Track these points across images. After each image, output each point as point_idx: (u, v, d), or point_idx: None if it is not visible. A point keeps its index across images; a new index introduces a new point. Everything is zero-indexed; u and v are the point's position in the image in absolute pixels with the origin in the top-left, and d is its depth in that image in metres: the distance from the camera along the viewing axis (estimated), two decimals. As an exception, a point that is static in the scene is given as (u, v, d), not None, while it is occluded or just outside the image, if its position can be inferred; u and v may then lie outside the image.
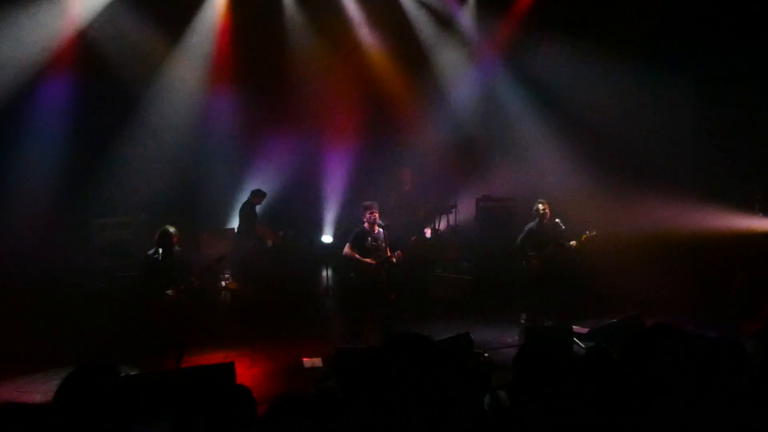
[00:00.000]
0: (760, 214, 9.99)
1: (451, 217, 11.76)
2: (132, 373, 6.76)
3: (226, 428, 2.93)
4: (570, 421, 2.69)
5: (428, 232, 11.64)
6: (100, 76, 10.41)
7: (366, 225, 8.06)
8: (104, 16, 10.28)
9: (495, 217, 11.52)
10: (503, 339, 8.73)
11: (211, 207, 11.78)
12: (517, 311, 9.19)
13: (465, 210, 11.83)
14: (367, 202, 8.09)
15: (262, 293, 10.24)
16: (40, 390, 7.00)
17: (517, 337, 8.45)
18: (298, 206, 11.78)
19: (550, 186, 10.84)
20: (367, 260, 8.02)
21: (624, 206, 10.32)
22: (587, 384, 2.92)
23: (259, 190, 11.12)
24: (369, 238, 8.06)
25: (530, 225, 9.13)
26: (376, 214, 8.04)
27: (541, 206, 8.99)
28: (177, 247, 7.62)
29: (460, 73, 12.42)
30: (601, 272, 9.84)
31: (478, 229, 11.49)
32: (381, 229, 8.15)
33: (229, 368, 6.65)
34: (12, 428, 1.61)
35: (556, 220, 9.02)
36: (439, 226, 11.75)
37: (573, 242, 8.86)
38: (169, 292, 7.36)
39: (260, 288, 10.33)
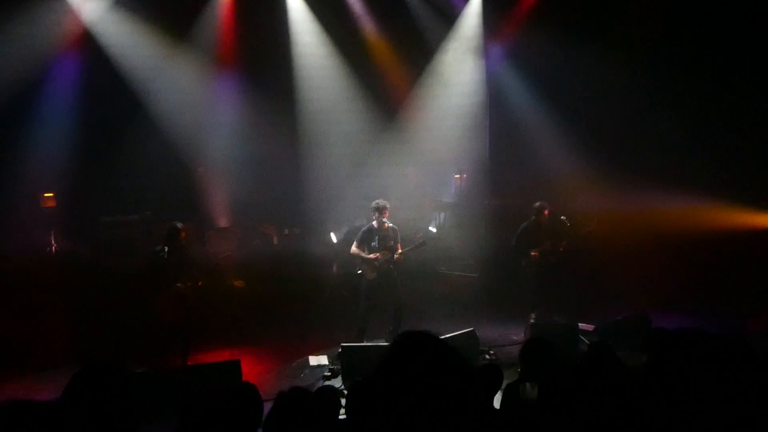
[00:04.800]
0: (768, 210, 9.97)
1: (456, 215, 11.76)
2: (139, 371, 6.80)
3: (234, 424, 2.95)
4: (575, 415, 2.69)
5: (433, 228, 11.66)
6: (105, 72, 10.42)
7: (375, 224, 8.08)
8: (110, 11, 10.31)
9: (500, 215, 11.51)
10: (509, 336, 8.74)
11: (217, 205, 11.79)
12: (525, 310, 9.18)
13: (470, 208, 11.82)
14: (378, 202, 8.10)
15: (268, 291, 10.26)
16: (47, 387, 7.04)
17: (523, 335, 8.44)
18: (304, 204, 11.78)
19: (556, 183, 10.82)
20: (371, 257, 8.05)
21: (630, 203, 10.28)
22: (590, 379, 2.92)
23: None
24: (377, 237, 8.08)
25: (525, 224, 9.15)
26: (386, 214, 8.06)
27: (537, 204, 9.01)
28: (185, 246, 7.61)
29: (465, 70, 12.39)
30: (607, 269, 9.83)
31: (484, 227, 11.48)
32: (391, 228, 8.16)
33: (235, 366, 6.68)
34: (20, 425, 1.62)
35: (562, 217, 9.01)
36: (442, 221, 11.77)
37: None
38: (179, 285, 7.36)
39: (266, 285, 10.35)
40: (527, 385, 3.30)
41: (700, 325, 2.24)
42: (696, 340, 2.28)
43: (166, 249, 7.39)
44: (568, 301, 9.06)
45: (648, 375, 2.23)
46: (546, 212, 8.98)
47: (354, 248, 8.19)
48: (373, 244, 8.10)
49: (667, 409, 2.12)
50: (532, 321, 8.84)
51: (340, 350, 7.38)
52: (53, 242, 10.24)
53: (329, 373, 7.35)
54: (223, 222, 11.65)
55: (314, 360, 7.85)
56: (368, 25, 11.90)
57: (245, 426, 3.04)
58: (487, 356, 7.79)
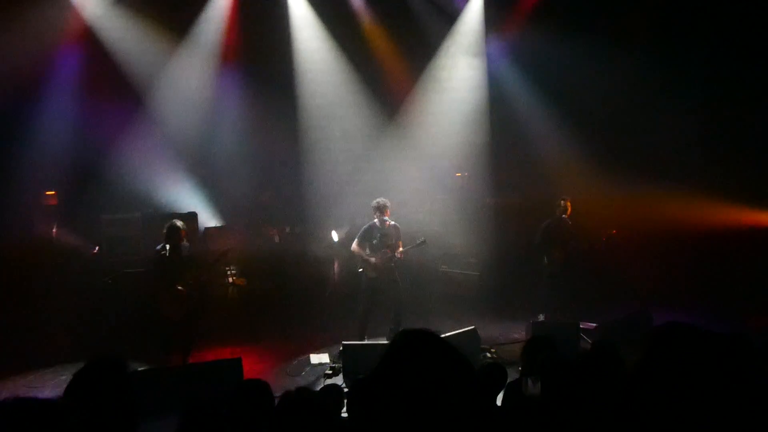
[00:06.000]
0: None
1: (457, 214, 11.73)
2: (140, 369, 6.82)
3: (247, 419, 2.98)
4: (578, 413, 2.69)
5: (434, 225, 11.64)
6: (107, 70, 10.41)
7: (377, 222, 8.08)
8: (112, 8, 10.30)
9: (501, 213, 11.50)
10: (510, 335, 8.73)
11: (216, 203, 11.78)
12: (527, 308, 9.17)
13: (471, 206, 11.81)
14: (378, 200, 8.09)
15: (269, 289, 10.27)
16: (49, 385, 7.07)
17: (524, 333, 8.44)
18: (305, 202, 11.77)
19: (558, 182, 10.81)
20: (372, 259, 8.05)
21: (633, 200, 10.28)
22: (595, 377, 2.92)
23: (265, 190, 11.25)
24: (378, 235, 8.08)
25: (549, 221, 9.08)
26: (387, 212, 8.06)
27: (563, 202, 8.95)
28: (185, 243, 7.62)
29: (466, 68, 12.36)
30: (609, 267, 9.83)
31: (485, 225, 11.47)
32: (393, 227, 8.16)
33: (236, 364, 6.68)
34: (22, 423, 1.62)
35: (563, 215, 9.00)
36: (443, 219, 11.76)
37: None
38: (179, 287, 7.37)
39: (267, 284, 10.36)
40: (529, 380, 3.29)
41: (703, 323, 2.23)
42: (686, 335, 2.28)
43: (168, 247, 7.43)
44: (576, 300, 9.05)
45: (638, 371, 2.24)
46: (570, 207, 8.91)
47: (355, 246, 8.20)
48: (374, 242, 8.10)
49: (661, 406, 2.12)
50: (541, 319, 8.83)
51: (341, 348, 7.38)
52: (54, 232, 10.21)
53: (330, 372, 7.36)
54: (223, 220, 11.64)
55: (315, 358, 7.85)
56: (369, 24, 11.88)
57: (257, 422, 3.06)
58: (489, 355, 7.79)
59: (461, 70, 12.33)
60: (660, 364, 2.19)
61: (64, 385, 2.46)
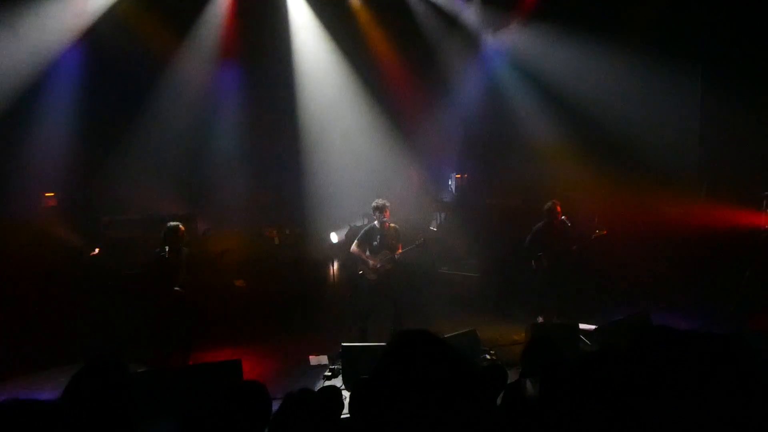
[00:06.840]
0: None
1: (456, 215, 11.74)
2: (140, 371, 6.81)
3: (242, 422, 2.98)
4: (578, 416, 2.68)
5: (433, 228, 11.65)
6: (108, 71, 10.41)
7: (377, 223, 8.07)
8: (111, 9, 10.29)
9: (501, 215, 11.50)
10: (509, 336, 8.73)
11: (217, 204, 11.78)
12: (526, 310, 9.16)
13: (471, 207, 11.81)
14: (378, 201, 8.08)
15: (269, 291, 10.26)
16: (47, 387, 7.05)
17: (523, 334, 8.43)
18: (304, 204, 11.77)
19: (556, 182, 10.81)
20: (370, 260, 8.04)
21: (630, 202, 10.28)
22: (596, 381, 2.91)
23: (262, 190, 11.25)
24: (378, 236, 8.08)
25: (539, 224, 9.09)
26: (387, 213, 8.05)
27: (548, 204, 8.95)
28: (185, 246, 7.62)
29: (466, 69, 12.37)
30: (607, 269, 9.82)
31: (484, 226, 11.47)
32: (393, 228, 8.15)
33: (235, 365, 6.68)
34: (21, 424, 1.62)
35: (562, 217, 9.00)
36: (442, 221, 11.77)
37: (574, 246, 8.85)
38: (177, 288, 7.37)
39: (267, 285, 10.35)
40: (528, 382, 3.28)
41: (702, 324, 2.25)
42: (662, 338, 2.29)
43: (167, 249, 7.43)
44: (573, 303, 9.04)
45: (623, 376, 2.25)
46: (558, 211, 8.93)
47: (354, 247, 8.19)
48: (374, 243, 8.10)
49: (647, 407, 2.12)
50: (540, 321, 8.82)
51: (340, 350, 7.37)
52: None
53: (329, 373, 7.36)
54: (222, 221, 11.63)
55: (314, 360, 7.85)
56: (369, 23, 11.88)
57: (254, 424, 3.06)
58: (488, 356, 7.78)
59: (460, 70, 12.34)
60: (639, 367, 2.20)
61: (63, 387, 2.45)
